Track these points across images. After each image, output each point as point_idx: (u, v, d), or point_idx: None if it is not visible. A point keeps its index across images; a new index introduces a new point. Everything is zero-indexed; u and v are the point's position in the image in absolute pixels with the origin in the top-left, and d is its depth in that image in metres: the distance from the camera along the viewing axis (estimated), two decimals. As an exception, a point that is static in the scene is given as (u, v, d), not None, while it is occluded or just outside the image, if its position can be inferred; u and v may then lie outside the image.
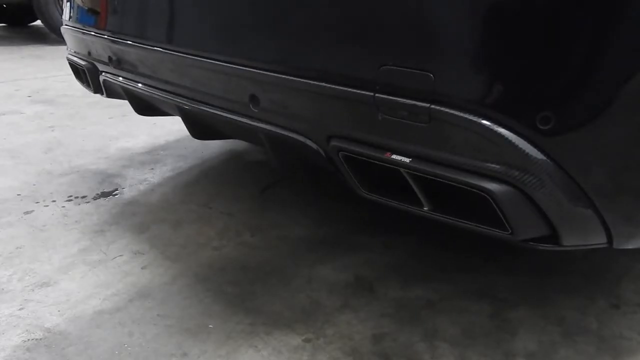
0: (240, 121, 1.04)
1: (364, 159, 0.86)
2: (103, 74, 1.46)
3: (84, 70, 1.54)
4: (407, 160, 0.79)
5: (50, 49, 4.88)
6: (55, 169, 1.91)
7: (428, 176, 0.79)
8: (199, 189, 1.74)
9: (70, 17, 1.53)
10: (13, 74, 3.67)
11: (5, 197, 1.67)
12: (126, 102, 1.55)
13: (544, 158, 0.69)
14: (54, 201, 1.64)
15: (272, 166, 1.92)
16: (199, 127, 1.38)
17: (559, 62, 0.67)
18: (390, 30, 0.76)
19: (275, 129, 0.99)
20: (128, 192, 1.72)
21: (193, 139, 1.57)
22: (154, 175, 1.86)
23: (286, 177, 1.83)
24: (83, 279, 1.23)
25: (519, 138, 0.69)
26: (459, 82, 0.71)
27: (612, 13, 0.65)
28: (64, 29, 1.61)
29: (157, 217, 1.53)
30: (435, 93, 0.72)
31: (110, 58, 1.35)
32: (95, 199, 1.66)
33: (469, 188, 0.75)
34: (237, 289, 1.20)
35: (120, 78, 1.38)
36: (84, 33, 1.44)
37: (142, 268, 1.27)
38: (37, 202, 1.63)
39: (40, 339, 1.04)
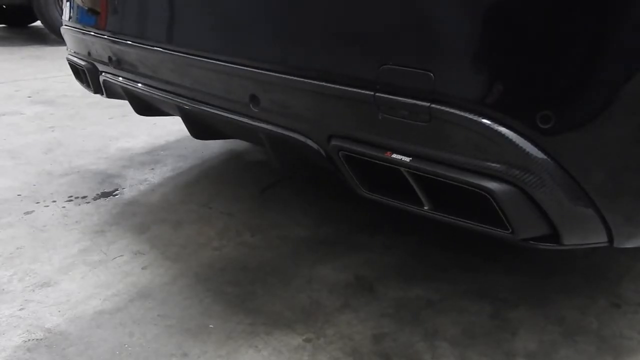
0: (240, 121, 1.04)
1: (365, 158, 0.86)
2: (103, 74, 1.46)
3: (84, 70, 1.54)
4: (407, 159, 0.79)
5: (50, 50, 4.88)
6: (56, 169, 1.91)
7: (428, 175, 0.79)
8: (199, 189, 1.74)
9: (70, 18, 1.53)
10: (13, 75, 3.67)
11: (5, 197, 1.67)
12: (126, 102, 1.55)
13: (545, 157, 0.69)
14: (54, 201, 1.64)
15: (273, 166, 1.92)
16: (199, 127, 1.38)
17: (559, 61, 0.67)
18: (391, 29, 0.76)
19: (275, 129, 0.98)
20: (128, 192, 1.72)
21: (193, 139, 1.57)
22: (154, 176, 1.86)
23: (286, 177, 1.83)
24: (83, 280, 1.23)
25: (519, 137, 0.69)
26: (459, 81, 0.71)
27: (612, 12, 0.65)
28: (63, 30, 1.61)
29: (158, 218, 1.53)
30: (435, 92, 0.72)
31: (110, 58, 1.35)
32: (95, 199, 1.66)
33: (469, 187, 0.75)
34: (238, 289, 1.20)
35: (120, 78, 1.38)
36: (83, 33, 1.44)
37: (142, 268, 1.27)
38: (37, 203, 1.63)
39: (41, 339, 1.03)
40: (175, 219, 1.53)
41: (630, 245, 0.84)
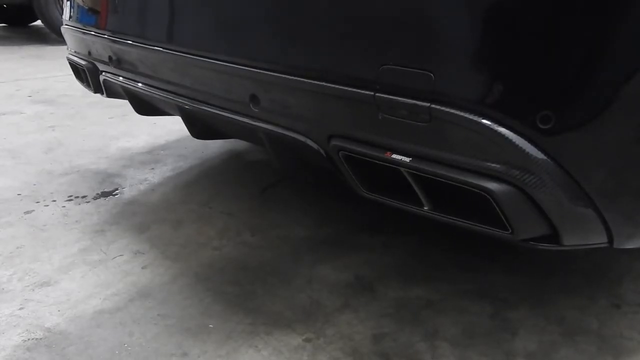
0: (240, 121, 1.04)
1: (365, 158, 0.86)
2: (103, 73, 1.46)
3: (84, 70, 1.54)
4: (407, 159, 0.79)
5: (51, 49, 4.88)
6: (56, 168, 1.91)
7: (428, 176, 0.79)
8: (199, 188, 1.74)
9: (70, 17, 1.53)
10: (13, 74, 3.67)
11: (5, 197, 1.67)
12: (126, 102, 1.55)
13: (545, 157, 0.69)
14: (54, 201, 1.64)
15: (273, 166, 1.92)
16: (199, 127, 1.38)
17: (559, 61, 0.67)
18: (391, 29, 0.76)
19: (275, 129, 0.98)
20: (128, 191, 1.72)
21: (193, 138, 1.57)
22: (154, 175, 1.86)
23: (286, 177, 1.83)
24: (83, 279, 1.23)
25: (519, 137, 0.69)
26: (459, 81, 0.71)
27: (612, 12, 0.65)
28: (64, 29, 1.61)
29: (158, 217, 1.53)
30: (435, 92, 0.72)
31: (110, 58, 1.35)
32: (95, 198, 1.66)
33: (469, 188, 0.75)
34: (238, 288, 1.20)
35: (121, 78, 1.38)
36: (84, 33, 1.44)
37: (142, 268, 1.27)
38: (37, 202, 1.63)
39: (41, 338, 1.03)
40: (175, 218, 1.53)
41: (630, 245, 0.84)
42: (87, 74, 1.53)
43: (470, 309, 1.13)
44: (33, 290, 1.19)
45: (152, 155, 2.06)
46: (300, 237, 1.42)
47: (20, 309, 1.12)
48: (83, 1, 1.42)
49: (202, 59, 1.04)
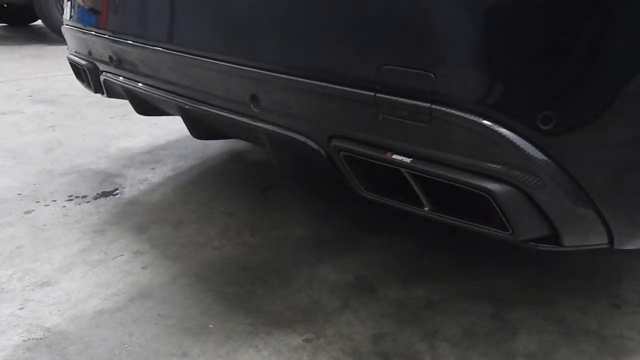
0: (241, 121, 1.04)
1: (365, 159, 0.86)
2: (104, 73, 1.46)
3: (84, 69, 1.54)
4: (407, 160, 0.79)
5: (51, 49, 4.88)
6: (56, 168, 1.91)
7: (429, 176, 0.79)
8: (200, 188, 1.74)
9: (70, 17, 1.53)
10: (14, 74, 3.67)
11: (5, 196, 1.67)
12: (127, 102, 1.55)
13: (545, 158, 0.69)
14: (54, 201, 1.64)
15: (273, 166, 1.92)
16: (199, 127, 1.38)
17: (560, 62, 0.67)
18: (391, 30, 0.76)
19: (275, 129, 0.98)
20: (128, 191, 1.72)
21: (193, 138, 1.57)
22: (155, 175, 1.86)
23: (286, 177, 1.83)
24: (83, 279, 1.23)
25: (520, 138, 0.69)
26: (460, 82, 0.71)
27: (612, 13, 0.65)
28: (64, 29, 1.61)
29: (158, 217, 1.53)
30: (436, 93, 0.72)
31: (110, 58, 1.35)
32: (95, 198, 1.66)
33: (469, 188, 0.75)
34: (238, 288, 1.20)
35: (121, 78, 1.38)
36: (84, 33, 1.44)
37: (142, 268, 1.27)
38: (37, 202, 1.63)
39: (41, 338, 1.03)
40: (176, 218, 1.53)
41: (630, 246, 0.84)
42: (88, 74, 1.53)
43: (470, 309, 1.13)
44: (33, 290, 1.19)
45: (152, 155, 2.06)
46: (300, 237, 1.42)
47: (21, 308, 1.12)
48: (83, 1, 1.42)
49: (202, 59, 1.04)
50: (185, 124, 1.39)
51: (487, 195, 0.74)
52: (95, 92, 1.59)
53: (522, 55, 0.68)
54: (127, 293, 1.18)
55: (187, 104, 1.17)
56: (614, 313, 1.12)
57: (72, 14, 1.52)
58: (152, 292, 1.18)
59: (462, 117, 0.70)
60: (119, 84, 1.41)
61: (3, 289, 1.19)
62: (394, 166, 0.82)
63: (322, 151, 0.94)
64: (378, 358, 0.99)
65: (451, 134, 0.73)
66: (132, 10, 1.25)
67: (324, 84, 0.83)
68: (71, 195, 1.68)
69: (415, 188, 0.84)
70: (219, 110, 1.09)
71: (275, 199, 1.66)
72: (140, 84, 1.31)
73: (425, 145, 0.76)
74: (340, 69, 0.82)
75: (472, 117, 0.70)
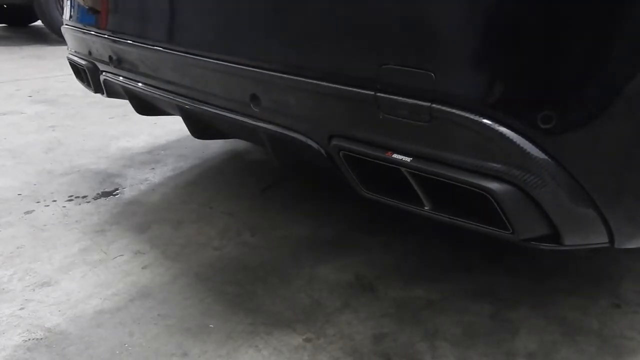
0: (241, 121, 1.04)
1: (365, 158, 0.86)
2: (103, 73, 1.46)
3: (84, 69, 1.54)
4: (408, 159, 0.79)
5: (51, 49, 4.88)
6: (56, 168, 1.91)
7: (429, 175, 0.79)
8: (200, 188, 1.74)
9: (70, 17, 1.53)
10: (14, 74, 3.67)
11: (5, 196, 1.67)
12: (127, 101, 1.55)
13: (545, 157, 0.69)
14: (54, 201, 1.64)
15: (273, 166, 1.92)
16: (199, 127, 1.38)
17: (560, 61, 0.67)
18: (391, 29, 0.76)
19: (276, 129, 0.98)
20: (129, 191, 1.72)
21: (194, 138, 1.57)
22: (155, 175, 1.86)
23: (286, 177, 1.82)
24: (83, 279, 1.23)
25: (520, 137, 0.69)
26: (460, 81, 0.71)
27: (613, 12, 0.65)
28: (64, 29, 1.61)
29: (158, 217, 1.53)
30: (436, 92, 0.72)
31: (110, 57, 1.35)
32: (95, 198, 1.66)
33: (470, 187, 0.75)
34: (238, 288, 1.19)
35: (121, 77, 1.38)
36: (84, 33, 1.44)
37: (142, 268, 1.27)
38: (37, 202, 1.63)
39: (41, 338, 1.03)
40: (176, 218, 1.53)
41: (631, 245, 0.84)
42: (88, 74, 1.53)
43: (470, 309, 1.13)
44: (33, 290, 1.19)
45: (152, 155, 2.06)
46: (300, 237, 1.42)
47: (21, 309, 1.12)
48: (83, 1, 1.42)
49: (202, 58, 1.04)
50: (185, 123, 1.39)
51: (487, 195, 0.74)
52: (95, 92, 1.59)
53: (522, 54, 0.68)
54: (127, 293, 1.17)
55: (187, 104, 1.17)
56: (614, 313, 1.12)
57: (71, 14, 1.52)
58: (152, 292, 1.18)
59: (462, 116, 0.70)
60: (119, 84, 1.41)
61: (3, 289, 1.19)
62: (394, 165, 0.82)
63: (322, 151, 0.94)
64: (378, 358, 0.99)
65: (451, 133, 0.73)
66: (132, 10, 1.25)
67: (324, 83, 0.83)
68: (71, 195, 1.68)
69: (416, 187, 0.84)
70: (219, 110, 1.09)
71: (275, 199, 1.66)
72: (140, 84, 1.31)
73: (426, 144, 0.76)
74: (340, 69, 0.82)
75: (472, 116, 0.70)
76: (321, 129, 0.91)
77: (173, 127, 2.40)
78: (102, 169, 1.91)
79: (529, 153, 0.69)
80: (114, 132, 2.36)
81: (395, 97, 0.75)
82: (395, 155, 0.80)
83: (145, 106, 1.52)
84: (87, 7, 1.41)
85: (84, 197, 1.67)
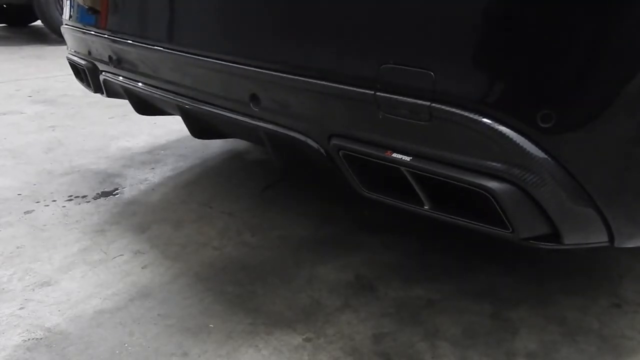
0: (240, 120, 1.04)
1: (365, 157, 0.86)
2: (103, 73, 1.46)
3: (84, 69, 1.54)
4: (407, 158, 0.79)
5: (51, 49, 4.88)
6: (56, 168, 1.91)
7: (429, 175, 0.79)
8: (200, 188, 1.74)
9: (70, 17, 1.53)
10: (13, 74, 3.67)
11: (5, 196, 1.67)
12: (127, 101, 1.55)
13: (545, 156, 0.69)
14: (54, 201, 1.64)
15: (273, 166, 1.92)
16: (199, 127, 1.38)
17: (560, 60, 0.67)
18: (391, 28, 0.76)
19: (275, 128, 0.98)
20: (128, 191, 1.72)
21: (193, 138, 1.56)
22: (155, 175, 1.86)
23: (286, 177, 1.82)
24: (83, 279, 1.23)
25: (519, 136, 0.69)
26: (459, 80, 0.71)
27: (613, 12, 0.65)
28: (64, 29, 1.61)
29: (158, 217, 1.53)
30: (436, 91, 0.72)
31: (110, 57, 1.35)
32: (95, 198, 1.66)
33: (469, 187, 0.75)
34: (238, 288, 1.19)
35: (121, 77, 1.38)
36: (84, 32, 1.44)
37: (142, 267, 1.27)
38: (37, 202, 1.63)
39: (41, 338, 1.03)
40: (176, 218, 1.53)
41: (631, 245, 0.84)
42: (87, 74, 1.53)
43: (470, 309, 1.13)
44: (33, 290, 1.19)
45: (152, 155, 2.06)
46: (300, 237, 1.42)
47: (21, 308, 1.12)
48: (83, 1, 1.42)
49: (202, 58, 1.04)
50: (185, 123, 1.39)
51: (487, 194, 0.74)
52: (95, 92, 1.59)
53: (521, 53, 0.68)
54: (127, 293, 1.17)
55: (187, 104, 1.17)
56: (614, 312, 1.12)
57: (71, 13, 1.52)
58: (152, 292, 1.18)
59: (461, 115, 0.70)
60: (119, 84, 1.41)
61: (3, 289, 1.19)
62: (394, 165, 0.82)
63: (322, 150, 0.94)
64: (378, 357, 0.99)
65: (451, 133, 0.73)
66: (132, 9, 1.25)
67: (324, 82, 0.83)
68: (71, 195, 1.68)
69: (415, 187, 0.84)
70: (219, 110, 1.09)
71: (275, 199, 1.66)
72: (140, 84, 1.31)
73: (425, 143, 0.76)
74: (340, 68, 0.82)
75: (471, 116, 0.70)
76: (321, 128, 0.91)
77: (173, 127, 2.40)
78: (102, 169, 1.91)
79: (528, 152, 0.69)
80: (114, 132, 2.36)
81: (395, 97, 0.75)
82: (395, 155, 0.80)
83: (145, 106, 1.52)
84: (86, 7, 1.41)
85: (84, 197, 1.67)
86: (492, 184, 0.72)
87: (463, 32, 0.70)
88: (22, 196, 1.67)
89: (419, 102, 0.73)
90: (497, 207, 0.75)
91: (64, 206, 1.60)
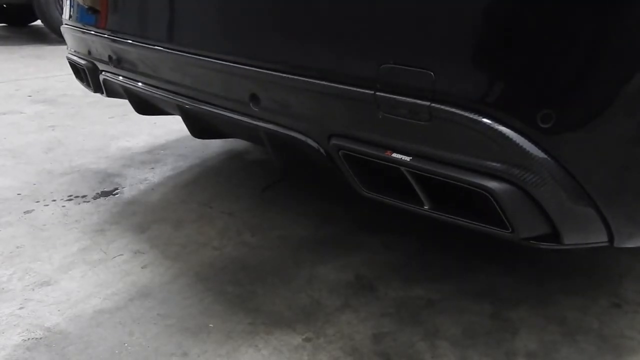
0: (240, 120, 1.04)
1: (365, 157, 0.86)
2: (103, 73, 1.46)
3: (84, 69, 1.54)
4: (407, 158, 0.79)
5: (51, 49, 4.88)
6: (56, 168, 1.91)
7: (428, 175, 0.79)
8: (200, 188, 1.74)
9: (70, 17, 1.53)
10: (13, 74, 3.67)
11: (5, 196, 1.67)
12: (126, 101, 1.55)
13: (545, 156, 0.69)
14: (54, 200, 1.64)
15: (273, 166, 1.91)
16: (199, 126, 1.38)
17: (560, 60, 0.67)
18: (391, 28, 0.76)
19: (275, 128, 0.98)
20: (128, 191, 1.72)
21: (193, 138, 1.57)
22: (155, 175, 1.86)
23: (286, 177, 1.82)
24: (83, 278, 1.23)
25: (519, 136, 0.69)
26: (459, 80, 0.71)
27: (613, 12, 0.65)
28: (64, 29, 1.61)
29: (158, 217, 1.53)
30: (435, 91, 0.72)
31: (110, 57, 1.35)
32: (95, 198, 1.66)
33: (469, 187, 0.75)
34: (238, 288, 1.19)
35: (121, 77, 1.38)
36: (84, 32, 1.44)
37: (142, 267, 1.27)
38: (37, 202, 1.63)
39: (40, 338, 1.03)
40: (176, 218, 1.53)
41: (630, 245, 0.84)
42: (87, 74, 1.53)
43: (470, 309, 1.13)
44: (33, 289, 1.19)
45: (152, 155, 2.06)
46: (300, 237, 1.42)
47: (20, 308, 1.12)
48: (83, 1, 1.42)
49: (202, 58, 1.04)
50: (185, 123, 1.39)
51: (487, 194, 0.74)
52: (95, 91, 1.59)
53: (521, 52, 0.68)
54: (127, 293, 1.17)
55: (186, 103, 1.17)
56: (614, 312, 1.12)
57: (71, 13, 1.52)
58: (152, 291, 1.18)
59: (461, 115, 0.70)
60: (119, 84, 1.41)
61: (3, 288, 1.19)
62: (393, 165, 0.82)
63: (321, 150, 0.94)
64: (378, 357, 0.99)
65: (451, 133, 0.73)
66: (132, 9, 1.25)
67: (323, 82, 0.83)
68: (71, 195, 1.68)
69: (415, 187, 0.84)
70: (219, 110, 1.09)
71: (275, 199, 1.66)
72: (139, 84, 1.31)
73: (425, 143, 0.76)
74: (340, 68, 0.82)
75: (471, 116, 0.70)
76: (320, 128, 0.91)
77: (173, 126, 2.40)
78: (102, 169, 1.91)
79: (528, 152, 0.69)
80: (114, 132, 2.36)
81: (394, 97, 0.75)
82: (394, 155, 0.80)
83: (144, 106, 1.52)
84: (86, 7, 1.40)
85: (84, 196, 1.67)
86: (492, 184, 0.72)
87: (463, 32, 0.70)
88: (22, 196, 1.67)
89: (419, 102, 0.73)
90: (497, 207, 0.75)
91: (64, 206, 1.60)
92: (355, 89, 0.79)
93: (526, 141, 0.69)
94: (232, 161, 2.02)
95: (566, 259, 1.32)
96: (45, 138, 2.26)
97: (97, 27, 1.36)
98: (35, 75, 3.62)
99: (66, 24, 1.58)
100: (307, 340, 1.03)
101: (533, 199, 0.73)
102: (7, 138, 2.26)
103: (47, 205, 1.61)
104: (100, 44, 1.37)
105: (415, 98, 0.73)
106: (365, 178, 0.93)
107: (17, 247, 1.37)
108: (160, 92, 1.24)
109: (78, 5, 1.46)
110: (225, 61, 0.99)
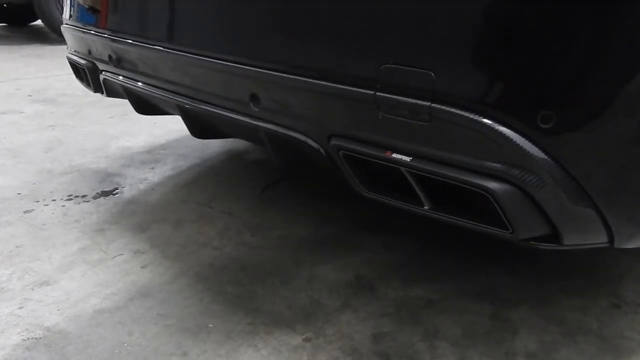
0: (240, 120, 1.04)
1: (365, 157, 0.86)
2: (103, 72, 1.46)
3: (84, 69, 1.54)
4: (407, 159, 0.79)
5: (51, 49, 4.88)
6: (56, 168, 1.91)
7: (428, 175, 0.79)
8: (200, 188, 1.74)
9: (70, 16, 1.53)
10: (14, 73, 3.67)
11: (5, 196, 1.67)
12: (126, 101, 1.54)
13: (545, 157, 0.69)
14: (54, 200, 1.64)
15: (273, 166, 1.91)
16: (199, 126, 1.38)
17: (560, 61, 0.67)
18: (391, 28, 0.76)
19: (275, 128, 0.98)
20: (128, 191, 1.72)
21: (193, 138, 1.57)
22: (154, 175, 1.86)
23: (286, 177, 1.82)
24: (83, 278, 1.23)
25: (519, 137, 0.69)
26: (459, 80, 0.71)
27: (613, 12, 0.65)
28: (64, 28, 1.61)
29: (158, 217, 1.53)
30: (436, 91, 0.72)
31: (110, 57, 1.35)
32: (95, 198, 1.66)
33: (469, 187, 0.75)
34: (238, 288, 1.19)
35: (121, 77, 1.38)
36: (84, 32, 1.44)
37: (142, 267, 1.27)
38: (37, 201, 1.63)
39: (40, 337, 1.03)
40: (175, 218, 1.53)
41: (630, 245, 0.84)
42: (87, 73, 1.53)
43: (470, 309, 1.13)
44: (32, 289, 1.19)
45: (152, 155, 2.06)
46: (300, 237, 1.42)
47: (20, 308, 1.12)
48: (83, 0, 1.42)
49: (202, 58, 1.04)
50: (185, 123, 1.38)
51: (487, 194, 0.74)
52: (95, 91, 1.59)
53: (521, 53, 0.68)
54: (127, 292, 1.17)
55: (186, 103, 1.17)
56: (614, 313, 1.12)
57: (71, 13, 1.52)
58: (151, 291, 1.18)
59: (461, 115, 0.70)
60: (119, 83, 1.41)
61: (2, 288, 1.19)
62: (393, 165, 0.82)
63: (321, 150, 0.94)
64: (378, 357, 0.99)
65: (451, 133, 0.73)
66: (132, 9, 1.25)
67: (323, 82, 0.83)
68: (71, 195, 1.68)
69: (415, 187, 0.84)
70: (219, 110, 1.09)
71: (275, 199, 1.66)
72: (139, 83, 1.31)
73: (425, 144, 0.76)
74: (340, 68, 0.82)
75: (471, 116, 0.70)
76: (321, 128, 0.91)
77: (173, 126, 2.40)
78: (102, 168, 1.91)
79: (528, 153, 0.69)
80: (114, 132, 2.36)
81: (394, 97, 0.75)
82: (394, 155, 0.80)
83: (144, 105, 1.52)
84: (86, 7, 1.40)
85: (84, 196, 1.67)
86: (492, 185, 0.72)
87: (463, 32, 0.70)
88: (22, 195, 1.67)
89: (419, 102, 0.73)
90: (497, 208, 0.75)
91: (64, 205, 1.60)
92: (355, 89, 0.79)
93: (526, 142, 0.69)
94: (232, 161, 2.02)
95: (566, 260, 1.32)
96: (45, 137, 2.26)
97: (98, 27, 1.36)
98: (36, 75, 3.62)
99: (66, 24, 1.58)
100: (307, 340, 1.03)
101: (533, 200, 0.73)
102: (7, 137, 2.26)
103: (47, 204, 1.61)
104: (100, 44, 1.37)
105: (415, 98, 0.73)
106: (365, 178, 0.93)
107: (17, 247, 1.37)
108: (160, 92, 1.24)
109: (78, 5, 1.46)
110: (225, 61, 0.99)
